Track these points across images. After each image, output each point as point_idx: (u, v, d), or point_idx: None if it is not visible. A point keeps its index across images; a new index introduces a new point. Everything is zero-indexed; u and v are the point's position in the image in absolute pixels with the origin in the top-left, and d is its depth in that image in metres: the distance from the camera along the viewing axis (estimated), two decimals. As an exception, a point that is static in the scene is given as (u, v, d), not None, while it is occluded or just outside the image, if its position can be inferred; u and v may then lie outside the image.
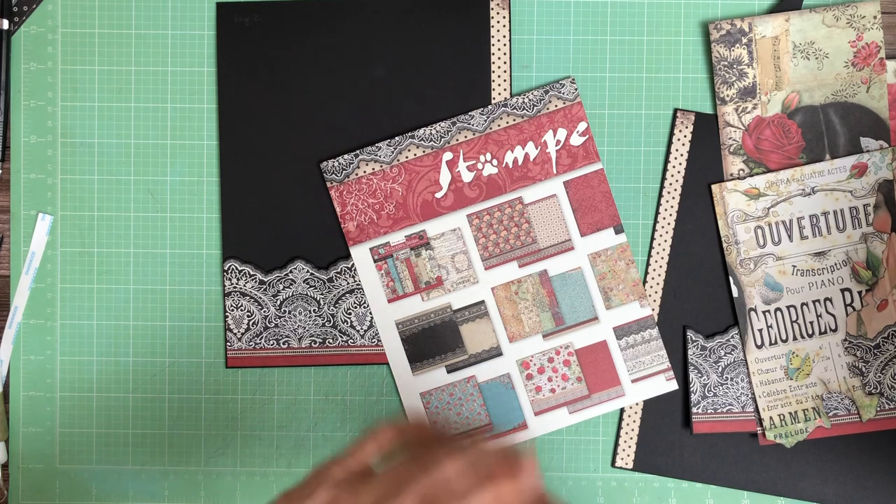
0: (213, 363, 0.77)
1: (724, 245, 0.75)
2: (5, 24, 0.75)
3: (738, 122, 0.75)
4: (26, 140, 0.76)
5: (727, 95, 0.75)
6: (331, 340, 0.76)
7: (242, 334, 0.76)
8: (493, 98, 0.75)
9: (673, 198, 0.76)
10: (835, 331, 0.76)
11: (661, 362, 0.76)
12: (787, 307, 0.76)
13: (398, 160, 0.75)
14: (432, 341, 0.76)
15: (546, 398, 0.76)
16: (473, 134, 0.75)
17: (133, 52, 0.76)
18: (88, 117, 0.76)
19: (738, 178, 0.75)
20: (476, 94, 0.75)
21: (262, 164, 0.76)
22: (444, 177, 0.75)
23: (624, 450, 0.77)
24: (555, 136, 0.75)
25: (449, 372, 0.76)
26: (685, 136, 0.75)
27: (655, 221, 0.76)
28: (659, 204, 0.76)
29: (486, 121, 0.75)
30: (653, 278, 0.76)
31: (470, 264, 0.76)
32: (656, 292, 0.76)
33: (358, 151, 0.75)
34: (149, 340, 0.77)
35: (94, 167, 0.76)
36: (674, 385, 0.76)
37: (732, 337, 0.76)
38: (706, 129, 0.75)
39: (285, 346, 0.76)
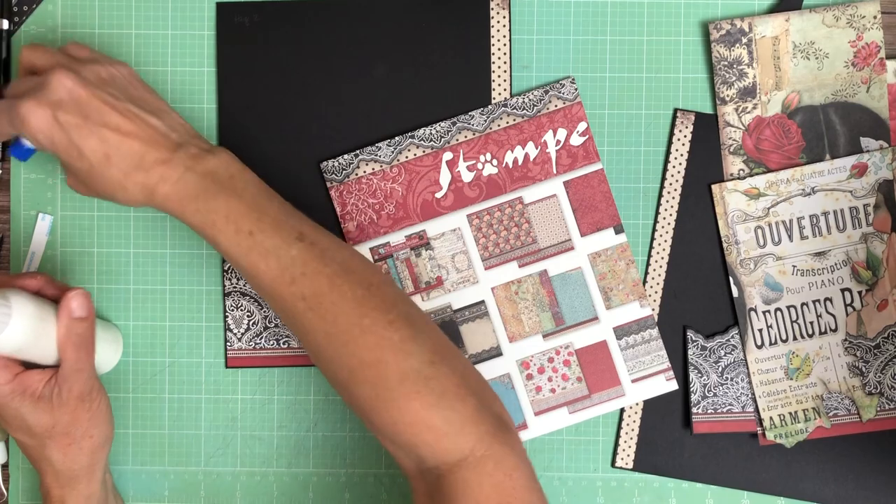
0: (213, 363, 0.77)
1: (724, 245, 0.75)
2: (5, 24, 0.75)
3: (738, 122, 0.75)
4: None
5: (727, 95, 0.75)
6: (331, 340, 0.76)
7: (242, 334, 0.76)
8: (493, 98, 0.75)
9: (673, 198, 0.76)
10: (835, 331, 0.76)
11: (661, 362, 0.76)
12: (787, 307, 0.76)
13: (398, 160, 0.75)
14: (432, 341, 0.76)
15: (546, 398, 0.76)
16: (473, 134, 0.75)
17: (133, 52, 0.76)
18: (88, 117, 0.76)
19: (738, 178, 0.75)
20: (476, 94, 0.75)
21: (262, 164, 0.76)
22: (444, 177, 0.75)
23: (624, 450, 0.77)
24: (555, 136, 0.75)
25: (449, 372, 0.76)
26: (685, 136, 0.75)
27: (655, 221, 0.76)
28: (659, 204, 0.76)
29: (486, 121, 0.75)
30: (653, 278, 0.76)
31: (470, 264, 0.76)
32: (656, 292, 0.76)
33: (358, 151, 0.75)
34: (149, 340, 0.77)
35: (94, 167, 0.76)
36: (674, 385, 0.76)
37: (732, 337, 0.76)
38: (706, 129, 0.75)
39: (285, 346, 0.76)
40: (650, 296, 0.76)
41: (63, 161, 0.64)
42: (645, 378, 0.76)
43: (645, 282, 0.76)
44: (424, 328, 0.62)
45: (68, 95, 0.62)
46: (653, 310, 0.76)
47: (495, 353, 0.76)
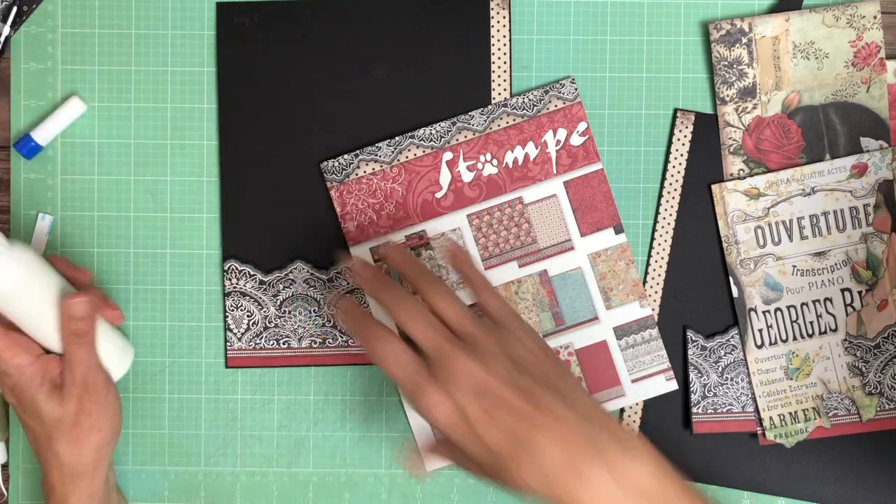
0: (213, 363, 0.77)
1: (724, 245, 0.75)
2: (6, 29, 0.75)
3: (738, 122, 0.75)
4: (26, 140, 0.76)
5: (727, 95, 0.75)
6: (331, 340, 0.76)
7: (242, 334, 0.76)
8: (493, 98, 0.75)
9: (673, 198, 0.76)
10: (835, 331, 0.76)
11: (661, 362, 0.76)
12: (787, 307, 0.76)
13: (398, 160, 0.75)
14: (432, 341, 0.76)
15: (546, 398, 0.76)
16: (473, 134, 0.75)
17: (133, 52, 0.76)
18: (88, 117, 0.76)
19: (738, 178, 0.75)
20: (476, 94, 0.75)
21: (262, 164, 0.76)
22: (444, 177, 0.75)
23: (624, 450, 0.77)
24: (555, 136, 0.75)
25: (449, 372, 0.76)
26: (685, 136, 0.75)
27: (655, 221, 0.76)
28: (659, 204, 0.76)
29: (486, 121, 0.75)
30: (653, 278, 0.76)
31: (470, 264, 0.76)
32: (656, 292, 0.76)
33: (358, 151, 0.75)
34: (149, 340, 0.77)
35: (94, 167, 0.76)
36: (674, 385, 0.76)
37: (732, 337, 0.76)
38: (706, 129, 0.75)
39: (285, 346, 0.76)
40: (650, 296, 0.76)
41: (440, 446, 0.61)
42: (645, 378, 0.76)
43: (645, 282, 0.76)
44: None
45: (475, 389, 0.57)
46: (653, 310, 0.76)
47: (495, 353, 0.76)
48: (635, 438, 0.57)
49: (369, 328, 0.61)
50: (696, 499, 0.56)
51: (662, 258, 0.76)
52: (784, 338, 0.76)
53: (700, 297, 0.76)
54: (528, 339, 0.61)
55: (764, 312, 0.76)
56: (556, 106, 0.75)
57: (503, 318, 0.63)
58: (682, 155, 0.76)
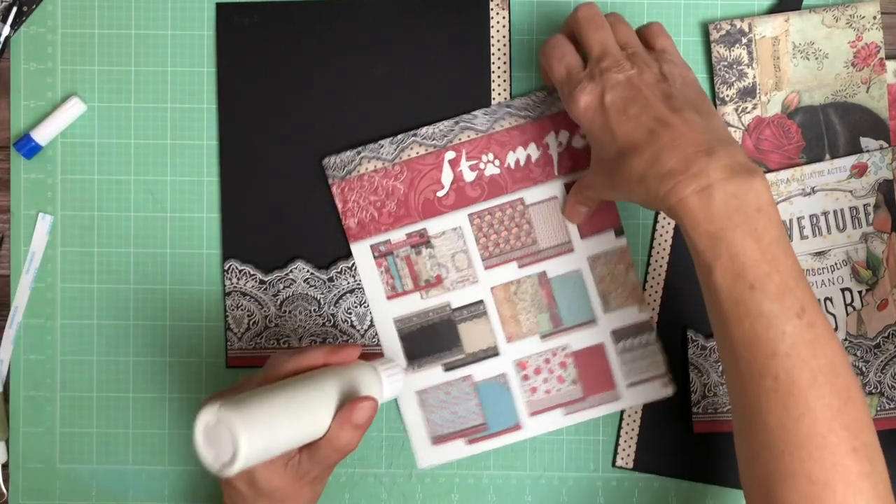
0: (213, 363, 0.77)
1: (724, 245, 0.75)
2: (6, 29, 0.75)
3: (738, 123, 0.75)
4: (26, 139, 0.76)
5: (727, 95, 0.75)
6: (331, 340, 0.76)
7: (243, 334, 0.76)
8: (493, 98, 0.75)
9: (673, 198, 0.76)
10: (835, 330, 0.76)
11: (658, 367, 0.76)
12: (787, 307, 0.76)
13: (400, 158, 0.75)
14: (430, 339, 0.76)
15: (541, 399, 0.76)
16: (476, 134, 0.75)
17: (133, 52, 0.76)
18: (88, 117, 0.76)
19: (738, 179, 0.75)
20: (476, 95, 0.75)
21: (262, 164, 0.76)
22: (446, 176, 0.75)
23: (624, 450, 0.77)
24: (557, 137, 0.75)
25: (446, 370, 0.76)
26: (685, 137, 0.76)
27: (655, 221, 0.76)
28: (659, 204, 0.76)
29: (489, 121, 0.75)
30: (653, 279, 0.76)
31: (470, 264, 0.76)
32: (656, 293, 0.76)
33: (360, 149, 0.75)
34: (149, 340, 0.77)
35: (94, 167, 0.76)
36: (670, 391, 0.76)
37: (732, 337, 0.76)
38: (706, 129, 0.75)
39: (285, 345, 0.76)
40: (650, 296, 0.76)
41: (593, 147, 0.66)
42: (641, 383, 0.76)
43: (645, 281, 0.76)
44: (879, 465, 0.57)
45: (622, 84, 0.63)
46: (653, 310, 0.76)
47: (492, 352, 0.76)
48: (754, 166, 0.59)
49: (554, 39, 0.68)
50: (781, 234, 0.58)
51: (663, 258, 0.76)
52: (784, 338, 0.76)
53: (700, 296, 0.76)
54: (684, 67, 0.66)
55: (764, 312, 0.76)
56: (558, 108, 0.75)
57: (667, 49, 0.67)
58: (682, 155, 0.76)
